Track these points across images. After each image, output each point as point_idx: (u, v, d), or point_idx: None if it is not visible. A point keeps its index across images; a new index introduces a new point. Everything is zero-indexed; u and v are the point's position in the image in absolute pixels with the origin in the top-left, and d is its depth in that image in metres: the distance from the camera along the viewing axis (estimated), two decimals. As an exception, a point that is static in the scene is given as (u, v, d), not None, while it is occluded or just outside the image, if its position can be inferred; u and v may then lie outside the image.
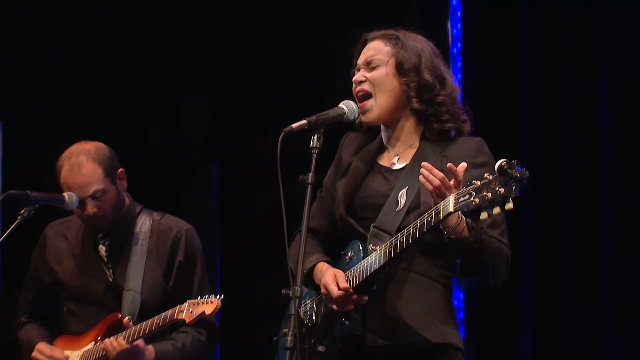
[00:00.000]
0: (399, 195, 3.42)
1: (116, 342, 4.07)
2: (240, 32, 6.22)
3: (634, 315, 5.09)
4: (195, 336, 4.25)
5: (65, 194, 4.15)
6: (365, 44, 3.57)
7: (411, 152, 3.52)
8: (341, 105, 3.45)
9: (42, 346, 4.27)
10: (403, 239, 3.26)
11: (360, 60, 3.55)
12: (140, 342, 4.08)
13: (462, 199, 3.08)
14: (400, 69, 3.49)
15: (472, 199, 3.05)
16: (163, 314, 4.05)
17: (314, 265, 3.48)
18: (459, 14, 5.60)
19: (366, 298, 3.37)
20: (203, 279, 4.30)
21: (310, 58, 5.87)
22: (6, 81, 6.43)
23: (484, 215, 3.05)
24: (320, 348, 3.44)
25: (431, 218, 3.18)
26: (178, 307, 4.00)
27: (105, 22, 6.29)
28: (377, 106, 3.50)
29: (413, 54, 3.51)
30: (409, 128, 3.54)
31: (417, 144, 3.52)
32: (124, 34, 6.25)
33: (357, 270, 3.38)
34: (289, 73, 6.06)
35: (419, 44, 3.54)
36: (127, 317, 4.14)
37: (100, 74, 6.32)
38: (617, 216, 5.14)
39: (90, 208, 4.16)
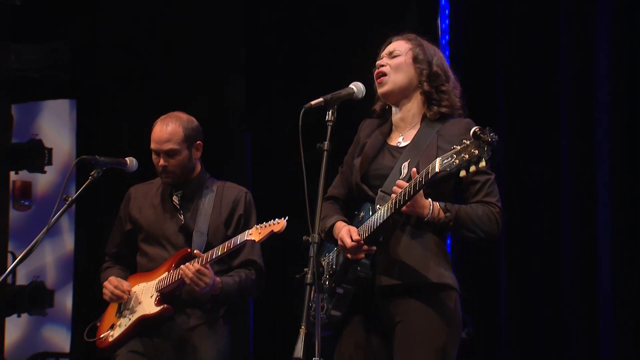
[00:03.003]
0: (402, 166, 3.74)
1: (192, 265, 4.24)
2: (272, 25, 6.63)
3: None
4: (247, 274, 4.46)
5: (127, 159, 4.49)
6: (389, 44, 3.93)
7: (413, 132, 3.82)
8: (351, 85, 3.71)
9: (112, 278, 4.51)
10: (401, 197, 3.56)
11: (384, 52, 3.89)
12: (210, 268, 4.28)
13: (445, 161, 3.40)
14: (416, 59, 3.84)
15: (452, 160, 3.37)
16: (232, 238, 4.23)
17: (334, 224, 3.79)
18: (447, 11, 6.07)
19: (374, 248, 3.66)
20: None
21: (327, 47, 6.26)
22: (79, 67, 7.02)
23: (462, 173, 3.35)
24: (339, 290, 3.73)
25: (422, 178, 3.49)
26: (247, 231, 4.17)
27: (161, 17, 6.80)
28: (392, 82, 3.81)
29: (428, 52, 3.87)
30: (414, 110, 3.84)
31: (418, 125, 3.83)
32: (177, 28, 6.75)
33: (366, 225, 3.68)
34: (310, 59, 6.42)
35: (431, 48, 3.92)
36: (196, 250, 4.35)
37: (155, 60, 6.79)
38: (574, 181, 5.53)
39: (162, 161, 4.44)
